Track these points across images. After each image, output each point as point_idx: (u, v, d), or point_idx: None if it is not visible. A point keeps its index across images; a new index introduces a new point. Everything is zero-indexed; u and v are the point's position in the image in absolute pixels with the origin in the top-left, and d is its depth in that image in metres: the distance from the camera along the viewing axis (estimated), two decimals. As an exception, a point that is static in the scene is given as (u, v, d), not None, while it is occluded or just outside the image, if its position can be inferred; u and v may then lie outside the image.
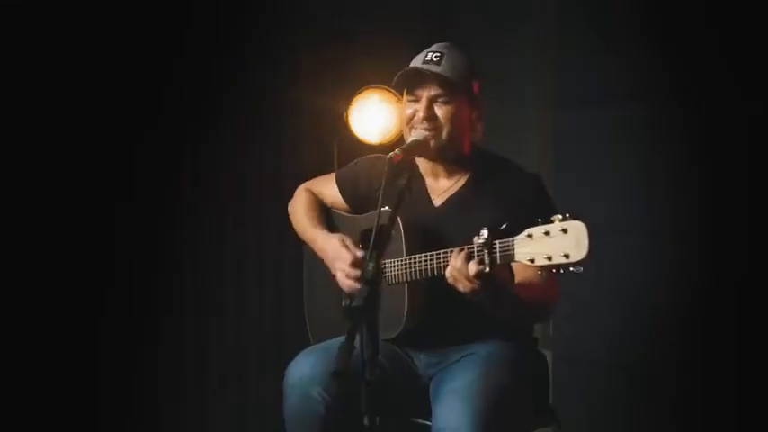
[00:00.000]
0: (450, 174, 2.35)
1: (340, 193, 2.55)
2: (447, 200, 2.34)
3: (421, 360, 2.35)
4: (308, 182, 2.68)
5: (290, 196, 2.72)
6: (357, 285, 2.21)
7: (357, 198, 2.51)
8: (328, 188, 2.59)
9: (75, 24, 2.91)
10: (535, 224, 1.88)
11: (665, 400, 3.03)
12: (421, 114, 2.24)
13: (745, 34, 2.75)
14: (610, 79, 3.14)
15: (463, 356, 2.28)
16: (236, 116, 3.37)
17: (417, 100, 2.26)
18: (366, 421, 1.79)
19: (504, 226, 1.93)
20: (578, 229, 1.82)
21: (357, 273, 2.26)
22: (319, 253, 2.47)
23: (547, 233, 1.85)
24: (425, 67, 2.24)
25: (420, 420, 2.30)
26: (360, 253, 2.31)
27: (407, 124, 2.28)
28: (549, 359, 2.55)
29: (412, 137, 2.25)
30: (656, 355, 3.05)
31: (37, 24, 2.85)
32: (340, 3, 3.49)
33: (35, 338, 2.88)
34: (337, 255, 2.35)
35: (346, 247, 2.35)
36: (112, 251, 3.08)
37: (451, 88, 2.24)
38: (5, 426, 2.80)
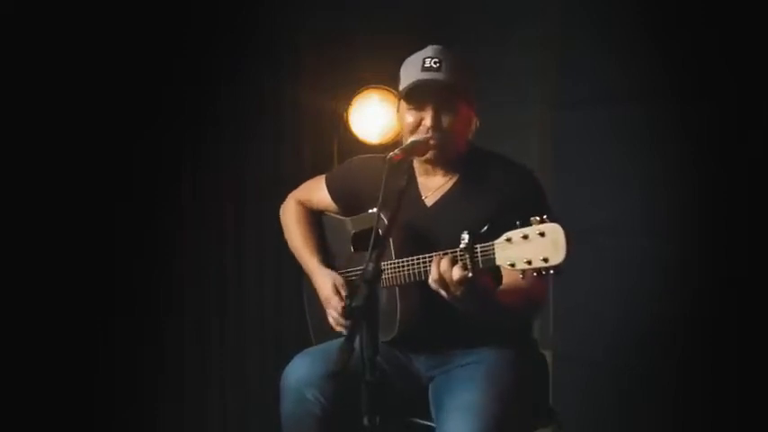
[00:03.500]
0: (442, 172, 2.31)
1: (330, 195, 2.51)
2: (438, 199, 2.31)
3: (421, 362, 2.34)
4: (296, 191, 2.63)
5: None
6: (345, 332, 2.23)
7: (349, 199, 2.46)
8: (318, 193, 2.54)
9: (75, 24, 2.91)
10: (514, 227, 1.85)
11: (665, 400, 3.03)
12: (428, 123, 2.19)
13: (745, 34, 2.74)
14: (610, 79, 3.14)
15: (465, 364, 2.26)
16: (235, 116, 3.37)
17: (420, 108, 2.21)
18: (366, 422, 1.79)
19: (484, 229, 1.91)
20: (555, 232, 1.80)
21: (345, 323, 2.29)
22: (314, 285, 2.47)
23: (525, 237, 1.82)
24: (428, 75, 2.19)
25: (419, 420, 2.30)
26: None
27: (412, 132, 2.22)
28: (549, 359, 2.55)
29: (411, 138, 2.22)
30: (656, 355, 3.04)
31: (37, 24, 2.86)
32: (340, 3, 3.49)
33: (36, 338, 2.89)
34: (329, 299, 2.38)
35: (339, 293, 2.37)
36: (113, 251, 3.08)
37: (454, 95, 2.21)
38: (6, 426, 2.81)
